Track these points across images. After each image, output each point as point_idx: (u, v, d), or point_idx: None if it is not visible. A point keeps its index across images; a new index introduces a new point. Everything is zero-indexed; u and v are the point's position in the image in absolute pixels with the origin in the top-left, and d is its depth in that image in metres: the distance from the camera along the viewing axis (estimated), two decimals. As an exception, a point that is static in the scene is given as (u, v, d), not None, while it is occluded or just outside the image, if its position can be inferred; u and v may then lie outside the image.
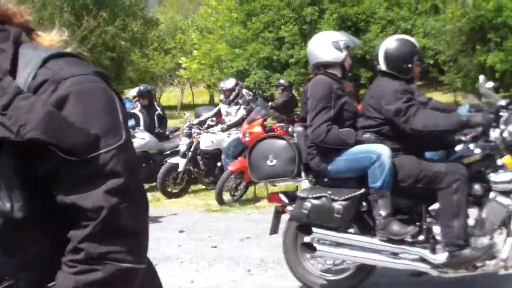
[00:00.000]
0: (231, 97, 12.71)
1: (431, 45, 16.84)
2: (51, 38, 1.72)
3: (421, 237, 5.37)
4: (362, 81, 22.21)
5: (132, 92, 14.70)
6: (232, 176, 10.86)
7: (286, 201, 5.75)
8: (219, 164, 12.32)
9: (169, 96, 48.51)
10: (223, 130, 12.43)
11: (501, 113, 5.31)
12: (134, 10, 41.15)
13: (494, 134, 5.29)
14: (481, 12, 14.89)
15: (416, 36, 17.68)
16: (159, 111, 13.61)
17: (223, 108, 12.97)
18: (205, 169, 12.52)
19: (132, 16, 41.29)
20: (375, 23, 19.37)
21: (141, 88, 13.98)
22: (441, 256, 5.19)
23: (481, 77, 5.76)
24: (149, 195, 12.04)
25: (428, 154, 5.75)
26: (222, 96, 13.50)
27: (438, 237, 5.26)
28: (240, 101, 12.61)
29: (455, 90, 23.11)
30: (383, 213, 5.23)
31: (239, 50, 20.54)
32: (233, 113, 12.60)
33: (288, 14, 19.33)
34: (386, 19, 19.25)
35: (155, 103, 13.96)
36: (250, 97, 13.27)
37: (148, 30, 44.27)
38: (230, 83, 12.93)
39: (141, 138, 12.70)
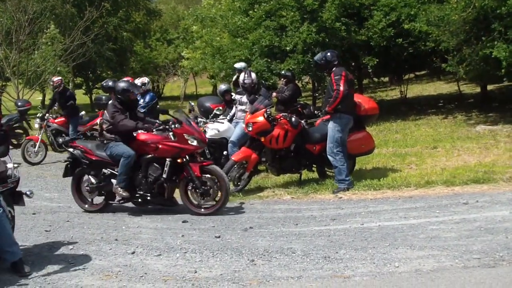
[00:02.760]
0: (253, 89, 12.66)
1: (434, 33, 16.71)
2: None
3: None
4: (368, 69, 22.13)
5: (136, 82, 14.55)
6: (235, 166, 10.84)
7: None
8: (225, 153, 12.31)
9: (172, 86, 48.51)
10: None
11: None
12: (137, 1, 41.10)
13: None
14: (485, 2, 14.80)
15: (419, 23, 17.57)
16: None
17: (237, 97, 12.95)
18: (211, 158, 12.50)
19: (135, 6, 41.24)
20: (378, 10, 19.24)
21: (103, 83, 13.84)
22: None
23: None
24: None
25: None
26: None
27: None
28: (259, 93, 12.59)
29: (459, 80, 23.06)
30: None
31: (241, 39, 20.46)
32: (246, 103, 12.59)
33: (290, 3, 19.22)
34: (389, 6, 19.12)
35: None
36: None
37: (150, 20, 44.23)
38: (253, 76, 12.84)
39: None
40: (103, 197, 10.00)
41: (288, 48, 18.91)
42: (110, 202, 10.00)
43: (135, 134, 9.72)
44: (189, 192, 9.61)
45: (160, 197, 9.67)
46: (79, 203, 10.10)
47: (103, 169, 9.79)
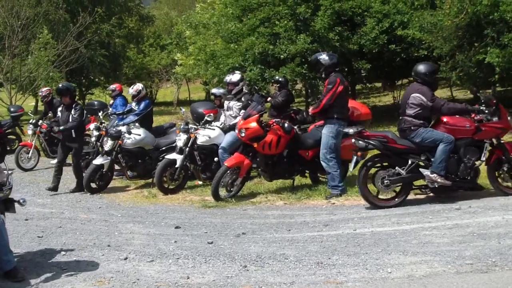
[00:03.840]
0: (233, 91, 12.64)
1: (427, 39, 16.79)
2: None
3: None
4: (362, 73, 22.18)
5: (131, 91, 14.37)
6: (228, 171, 10.83)
7: None
8: (216, 159, 12.30)
9: (165, 92, 48.49)
10: (223, 130, 12.47)
11: None
12: (130, 7, 41.12)
13: None
14: (478, 8, 14.88)
15: (412, 29, 17.64)
16: (72, 112, 12.50)
17: (225, 102, 12.92)
18: (202, 164, 12.50)
19: (128, 12, 41.25)
20: (370, 17, 19.32)
21: (60, 86, 13.14)
22: None
23: None
24: (146, 191, 12.06)
25: None
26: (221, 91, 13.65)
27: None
28: (243, 98, 12.52)
29: (452, 85, 23.15)
30: None
31: (234, 45, 20.51)
32: (234, 109, 12.54)
33: (283, 10, 19.27)
34: (382, 12, 19.21)
35: (74, 104, 12.78)
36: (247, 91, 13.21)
37: (143, 26, 44.26)
38: (235, 77, 12.84)
39: (137, 134, 12.66)
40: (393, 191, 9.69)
41: (282, 57, 18.98)
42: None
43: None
44: (498, 174, 9.59)
45: (474, 181, 9.53)
46: (372, 200, 9.55)
47: (410, 159, 9.38)
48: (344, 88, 10.56)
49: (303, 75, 18.96)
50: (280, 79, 14.74)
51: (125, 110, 14.26)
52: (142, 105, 13.81)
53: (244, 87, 12.92)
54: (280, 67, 19.22)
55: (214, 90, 14.27)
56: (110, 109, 15.62)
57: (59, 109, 13.05)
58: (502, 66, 14.67)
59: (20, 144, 16.88)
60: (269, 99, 13.83)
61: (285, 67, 18.93)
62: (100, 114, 14.93)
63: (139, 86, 14.33)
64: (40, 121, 16.54)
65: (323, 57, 10.76)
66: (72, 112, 12.47)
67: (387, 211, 9.14)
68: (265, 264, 6.72)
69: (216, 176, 10.78)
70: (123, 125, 12.93)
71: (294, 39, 18.97)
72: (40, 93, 17.84)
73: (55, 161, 16.58)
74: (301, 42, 18.65)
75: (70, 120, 12.47)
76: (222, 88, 14.39)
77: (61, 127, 12.47)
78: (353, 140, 9.49)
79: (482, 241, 7.04)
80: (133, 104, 14.14)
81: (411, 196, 9.98)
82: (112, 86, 16.83)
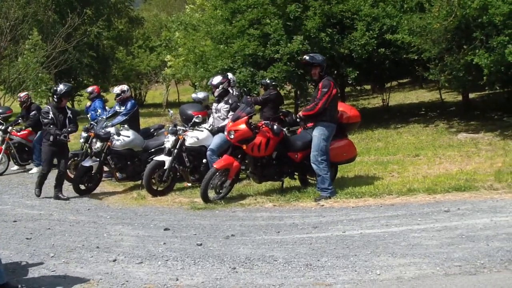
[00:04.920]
0: (215, 94, 12.66)
1: (416, 42, 16.81)
2: None
3: None
4: (349, 81, 22.18)
5: (116, 90, 14.35)
6: (217, 173, 10.81)
7: None
8: (204, 161, 12.28)
9: (154, 94, 48.43)
10: (212, 132, 12.47)
11: None
12: (119, 8, 41.07)
13: None
14: (467, 11, 14.92)
15: (401, 33, 17.65)
16: (69, 114, 12.20)
17: (214, 105, 12.92)
18: (191, 166, 12.48)
19: (117, 14, 41.21)
20: (360, 20, 19.30)
21: (66, 88, 12.27)
22: None
23: None
24: (134, 193, 12.04)
25: None
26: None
27: None
28: (230, 100, 12.50)
29: (441, 88, 23.20)
30: None
31: (224, 46, 20.48)
32: (222, 111, 12.54)
33: (272, 11, 19.25)
34: (372, 16, 19.19)
35: (66, 106, 12.38)
36: (237, 94, 13.23)
37: (133, 28, 44.23)
38: (216, 79, 12.86)
39: (126, 136, 12.63)
40: None
41: (276, 56, 18.96)
42: None
43: None
44: None
45: None
46: None
47: None
48: (336, 91, 10.60)
49: (290, 72, 18.93)
50: (262, 82, 14.87)
51: (110, 113, 14.17)
52: (129, 105, 13.77)
53: (232, 89, 12.93)
54: (269, 67, 19.20)
55: (193, 95, 14.36)
56: (98, 112, 15.50)
57: (51, 111, 11.95)
58: (490, 67, 14.70)
59: None
60: (249, 98, 13.83)
61: (273, 67, 18.92)
62: (88, 116, 14.91)
63: (124, 86, 14.31)
64: (10, 128, 16.29)
65: (318, 58, 10.77)
66: (70, 114, 12.16)
67: (376, 213, 9.15)
68: (254, 266, 6.72)
69: (205, 178, 10.75)
70: (112, 126, 12.90)
71: (284, 40, 18.95)
72: (18, 99, 17.49)
73: (35, 169, 15.78)
74: (297, 42, 18.62)
75: (68, 123, 12.04)
76: (202, 92, 14.43)
77: (68, 129, 12.03)
78: None
79: (471, 243, 7.06)
80: (116, 106, 14.09)
81: (400, 199, 10.02)
82: (90, 89, 16.71)
